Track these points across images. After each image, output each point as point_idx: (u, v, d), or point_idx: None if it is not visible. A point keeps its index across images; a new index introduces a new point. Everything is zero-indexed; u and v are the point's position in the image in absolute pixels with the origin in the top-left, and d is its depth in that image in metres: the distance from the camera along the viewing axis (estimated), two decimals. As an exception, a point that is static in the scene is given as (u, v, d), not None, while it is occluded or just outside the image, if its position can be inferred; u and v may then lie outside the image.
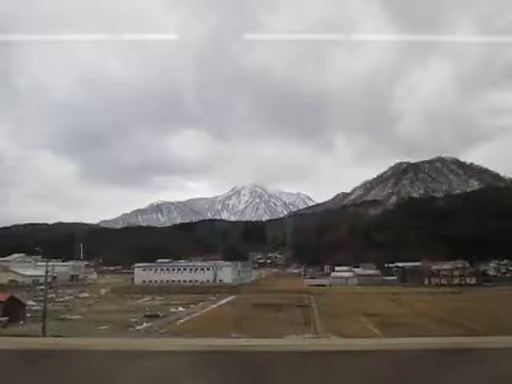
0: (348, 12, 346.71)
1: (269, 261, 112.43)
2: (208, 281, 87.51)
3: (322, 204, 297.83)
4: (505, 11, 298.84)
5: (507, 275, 78.51)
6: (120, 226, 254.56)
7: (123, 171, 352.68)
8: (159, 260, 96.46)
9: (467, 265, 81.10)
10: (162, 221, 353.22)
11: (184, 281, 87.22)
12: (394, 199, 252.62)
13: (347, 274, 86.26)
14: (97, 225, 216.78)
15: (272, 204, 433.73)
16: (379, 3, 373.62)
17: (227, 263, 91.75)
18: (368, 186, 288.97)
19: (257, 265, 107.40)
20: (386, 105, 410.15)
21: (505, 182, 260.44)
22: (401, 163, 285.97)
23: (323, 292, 71.80)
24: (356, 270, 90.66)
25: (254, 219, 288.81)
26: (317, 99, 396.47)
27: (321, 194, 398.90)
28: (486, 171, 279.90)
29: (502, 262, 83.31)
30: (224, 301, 64.56)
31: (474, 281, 74.98)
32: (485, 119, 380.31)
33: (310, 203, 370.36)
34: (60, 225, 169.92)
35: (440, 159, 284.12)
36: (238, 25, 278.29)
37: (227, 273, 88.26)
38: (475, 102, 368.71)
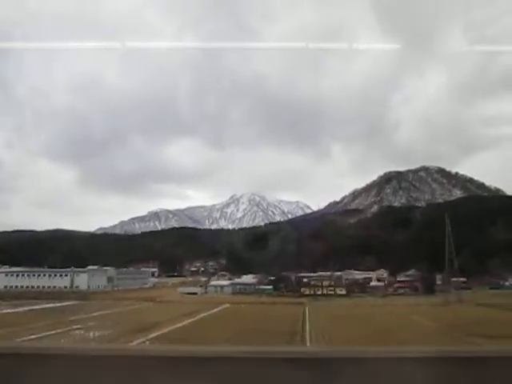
0: (344, 21, 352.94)
1: (202, 269, 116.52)
2: (66, 287, 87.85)
3: (313, 213, 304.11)
4: (495, 21, 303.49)
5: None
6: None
7: (121, 179, 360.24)
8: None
9: (360, 275, 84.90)
10: (159, 228, 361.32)
11: (43, 286, 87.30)
12: (375, 208, 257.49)
13: (223, 283, 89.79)
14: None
15: (270, 213, 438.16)
16: (374, 13, 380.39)
17: (84, 270, 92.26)
18: (356, 194, 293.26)
19: (189, 273, 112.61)
20: (382, 113, 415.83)
21: (489, 192, 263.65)
22: (390, 172, 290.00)
23: (180, 301, 72.01)
24: (241, 279, 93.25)
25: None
26: (313, 107, 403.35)
27: (319, 202, 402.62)
28: (470, 180, 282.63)
29: (407, 273, 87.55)
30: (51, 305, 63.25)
31: (343, 291, 78.23)
32: (480, 128, 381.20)
33: (308, 212, 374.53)
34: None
35: (424, 168, 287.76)
36: (233, 33, 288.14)
37: (84, 279, 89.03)
38: (470, 111, 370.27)
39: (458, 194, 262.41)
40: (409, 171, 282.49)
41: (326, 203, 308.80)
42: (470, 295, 67.63)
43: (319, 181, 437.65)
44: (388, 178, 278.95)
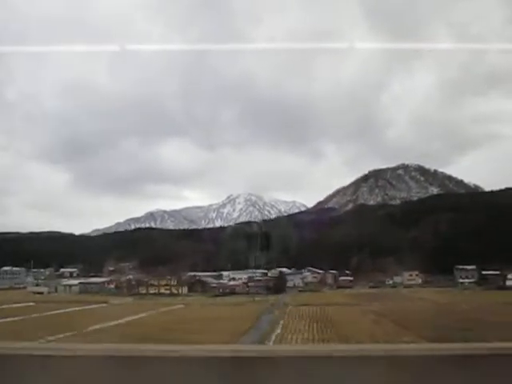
0: (331, 21, 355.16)
1: (112, 268, 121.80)
2: None
3: (301, 213, 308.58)
4: (480, 20, 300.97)
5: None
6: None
7: (117, 180, 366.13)
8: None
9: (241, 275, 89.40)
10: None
11: None
12: (350, 206, 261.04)
13: (72, 282, 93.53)
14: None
15: (266, 212, 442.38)
16: (362, 13, 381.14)
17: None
18: (334, 193, 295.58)
19: (108, 273, 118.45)
20: (373, 113, 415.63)
21: (467, 189, 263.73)
22: (369, 171, 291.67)
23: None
24: (94, 278, 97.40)
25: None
26: (303, 108, 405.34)
27: (316, 201, 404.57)
28: (449, 178, 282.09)
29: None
30: None
31: (185, 290, 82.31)
32: (469, 126, 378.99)
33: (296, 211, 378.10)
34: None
35: (403, 166, 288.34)
36: (223, 34, 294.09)
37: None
38: (459, 110, 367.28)
39: (434, 191, 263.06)
40: (387, 169, 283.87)
41: (315, 202, 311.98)
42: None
43: (315, 180, 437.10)
44: (365, 177, 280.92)
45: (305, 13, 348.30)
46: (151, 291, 78.45)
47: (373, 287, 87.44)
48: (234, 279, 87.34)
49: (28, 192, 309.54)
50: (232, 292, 74.40)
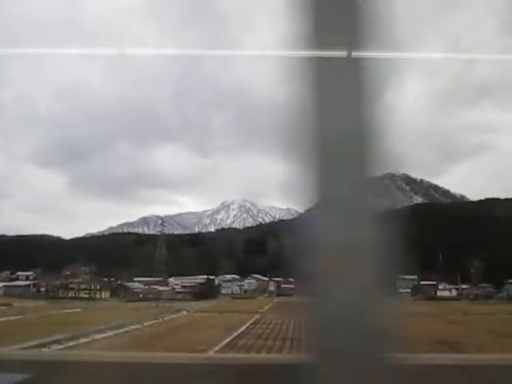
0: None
1: (68, 273, 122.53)
2: None
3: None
4: (470, 30, 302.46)
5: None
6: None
7: (111, 185, 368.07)
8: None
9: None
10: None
11: None
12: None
13: None
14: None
15: (260, 219, 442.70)
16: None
17: None
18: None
19: (64, 277, 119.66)
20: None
21: (453, 199, 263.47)
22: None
23: None
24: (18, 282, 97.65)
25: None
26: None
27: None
28: (435, 187, 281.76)
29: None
30: None
31: (107, 295, 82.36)
32: (461, 136, 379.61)
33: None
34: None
35: (389, 175, 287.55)
36: (214, 39, 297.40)
37: None
38: (451, 120, 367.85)
39: (418, 200, 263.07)
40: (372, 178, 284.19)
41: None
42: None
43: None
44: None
45: (297, 20, 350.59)
46: (69, 295, 79.39)
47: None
48: (176, 285, 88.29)
49: (22, 195, 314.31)
50: (157, 298, 74.95)
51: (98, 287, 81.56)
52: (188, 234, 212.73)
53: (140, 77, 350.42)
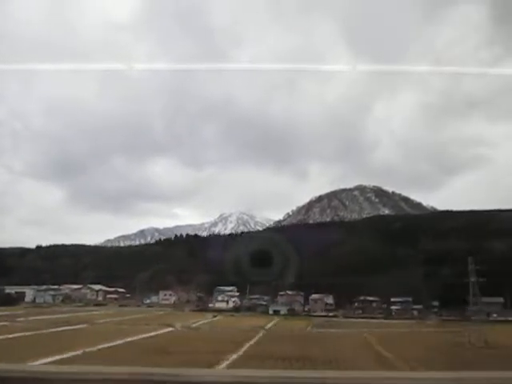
0: (314, 44, 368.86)
1: None
2: None
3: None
4: (457, 45, 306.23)
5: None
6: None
7: (109, 198, 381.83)
8: None
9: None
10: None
11: None
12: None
13: None
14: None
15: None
16: (343, 35, 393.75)
17: None
18: (295, 212, 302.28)
19: None
20: (357, 134, 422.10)
21: (423, 210, 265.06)
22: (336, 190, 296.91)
23: None
24: None
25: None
26: (287, 128, 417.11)
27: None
28: (406, 200, 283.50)
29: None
30: None
31: None
32: (453, 148, 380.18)
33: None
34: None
35: (360, 187, 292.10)
36: (205, 55, 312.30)
37: None
38: (442, 131, 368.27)
39: (385, 212, 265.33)
40: (343, 190, 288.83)
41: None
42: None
43: (304, 199, 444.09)
44: (320, 197, 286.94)
45: (289, 35, 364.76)
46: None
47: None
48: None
49: (19, 208, 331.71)
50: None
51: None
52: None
53: (133, 91, 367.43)
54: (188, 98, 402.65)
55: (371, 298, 69.06)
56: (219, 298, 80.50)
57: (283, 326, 53.11)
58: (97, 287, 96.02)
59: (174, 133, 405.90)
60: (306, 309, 73.58)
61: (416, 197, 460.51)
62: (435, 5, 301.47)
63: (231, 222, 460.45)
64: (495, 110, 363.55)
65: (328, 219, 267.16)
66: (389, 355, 29.71)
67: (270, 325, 52.75)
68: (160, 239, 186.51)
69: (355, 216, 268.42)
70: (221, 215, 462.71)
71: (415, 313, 64.97)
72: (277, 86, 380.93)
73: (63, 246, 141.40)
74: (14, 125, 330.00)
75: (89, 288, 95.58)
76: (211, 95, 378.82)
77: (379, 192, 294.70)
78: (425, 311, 65.48)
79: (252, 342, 35.86)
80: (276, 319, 60.49)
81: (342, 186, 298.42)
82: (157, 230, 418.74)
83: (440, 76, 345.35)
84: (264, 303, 74.01)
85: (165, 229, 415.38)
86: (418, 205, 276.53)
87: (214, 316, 64.16)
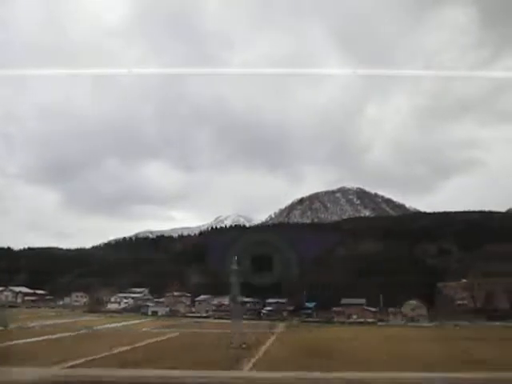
0: (306, 48, 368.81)
1: None
2: None
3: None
4: (447, 49, 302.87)
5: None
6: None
7: (104, 201, 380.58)
8: None
9: None
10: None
11: None
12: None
13: None
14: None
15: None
16: (335, 39, 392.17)
17: None
18: (277, 214, 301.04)
19: None
20: (349, 137, 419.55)
21: (405, 212, 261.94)
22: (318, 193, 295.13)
23: None
24: None
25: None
26: (279, 131, 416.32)
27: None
28: (388, 201, 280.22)
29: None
30: None
31: None
32: (446, 150, 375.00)
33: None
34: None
35: (343, 189, 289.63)
36: (197, 59, 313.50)
37: None
38: (434, 134, 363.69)
39: (366, 214, 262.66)
40: (326, 192, 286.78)
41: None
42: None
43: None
44: (301, 199, 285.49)
45: (279, 41, 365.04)
46: None
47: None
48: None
49: (14, 212, 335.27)
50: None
51: None
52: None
53: (126, 95, 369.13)
54: (181, 101, 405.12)
55: (246, 299, 68.78)
56: (112, 300, 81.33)
57: (123, 326, 53.68)
58: (17, 289, 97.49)
59: (167, 136, 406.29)
60: (193, 310, 73.97)
61: (408, 198, 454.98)
62: (425, 9, 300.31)
63: (227, 225, 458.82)
64: (487, 113, 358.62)
65: (308, 221, 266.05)
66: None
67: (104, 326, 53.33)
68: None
69: (335, 218, 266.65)
70: (216, 218, 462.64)
71: (285, 314, 64.71)
72: (269, 90, 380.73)
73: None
74: (7, 129, 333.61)
75: (10, 290, 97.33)
76: (204, 99, 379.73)
77: (361, 194, 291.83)
78: (298, 312, 65.12)
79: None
80: (136, 320, 61.15)
81: (325, 189, 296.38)
82: (152, 232, 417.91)
83: (431, 79, 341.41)
84: (150, 304, 74.65)
85: (160, 231, 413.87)
86: (401, 206, 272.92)
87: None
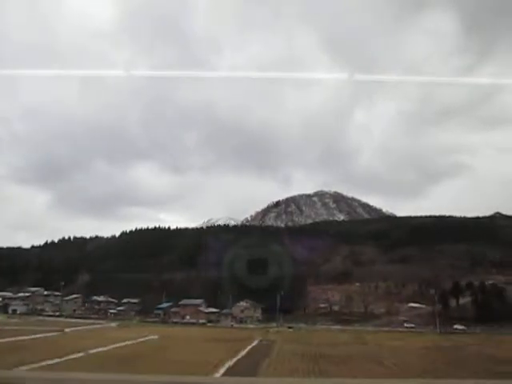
0: (294, 52, 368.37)
1: None
2: None
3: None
4: (431, 55, 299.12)
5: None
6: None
7: (93, 202, 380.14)
8: None
9: None
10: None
11: None
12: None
13: None
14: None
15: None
16: (323, 44, 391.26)
17: None
18: (253, 217, 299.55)
19: None
20: (337, 142, 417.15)
21: (381, 216, 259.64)
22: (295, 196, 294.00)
23: None
24: None
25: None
26: (267, 134, 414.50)
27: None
28: (364, 205, 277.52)
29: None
30: None
31: None
32: (432, 155, 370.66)
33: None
34: None
35: (320, 193, 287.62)
36: (186, 62, 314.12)
37: None
38: (421, 139, 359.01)
39: (341, 218, 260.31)
40: (301, 196, 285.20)
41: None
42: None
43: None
44: (277, 203, 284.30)
45: (267, 45, 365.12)
46: None
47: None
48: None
49: (4, 212, 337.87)
50: None
51: None
52: None
53: (115, 97, 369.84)
54: (170, 104, 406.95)
55: (100, 299, 68.87)
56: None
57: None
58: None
59: (156, 139, 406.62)
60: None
61: (394, 203, 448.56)
62: (410, 15, 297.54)
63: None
64: (472, 119, 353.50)
65: (282, 224, 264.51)
66: None
67: None
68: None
69: (309, 221, 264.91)
70: (208, 220, 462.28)
71: (132, 313, 64.51)
72: (257, 93, 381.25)
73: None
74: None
75: None
76: (193, 102, 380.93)
77: (338, 197, 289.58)
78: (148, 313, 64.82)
79: None
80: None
81: (302, 192, 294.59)
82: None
83: (417, 85, 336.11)
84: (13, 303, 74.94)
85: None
86: (379, 210, 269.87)
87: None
